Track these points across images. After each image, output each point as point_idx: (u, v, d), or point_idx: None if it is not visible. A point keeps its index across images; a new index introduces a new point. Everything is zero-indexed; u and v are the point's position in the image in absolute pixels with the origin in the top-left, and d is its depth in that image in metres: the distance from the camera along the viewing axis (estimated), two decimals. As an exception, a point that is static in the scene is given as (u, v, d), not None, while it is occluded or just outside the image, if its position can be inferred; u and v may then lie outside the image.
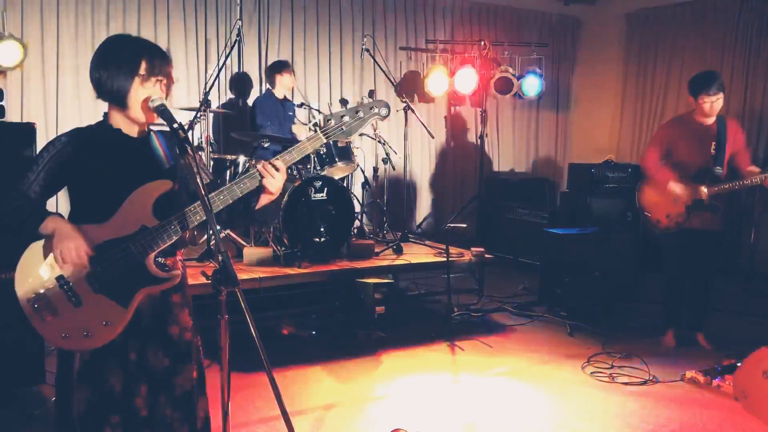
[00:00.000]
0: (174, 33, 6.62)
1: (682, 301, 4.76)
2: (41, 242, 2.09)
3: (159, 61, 2.13)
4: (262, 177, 2.16)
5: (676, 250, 4.65)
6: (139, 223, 2.10)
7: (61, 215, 2.11)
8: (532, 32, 8.86)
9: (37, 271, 2.09)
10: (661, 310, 4.96)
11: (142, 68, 2.09)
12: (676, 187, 4.49)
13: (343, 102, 6.28)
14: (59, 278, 2.08)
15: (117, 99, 2.11)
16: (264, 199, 2.25)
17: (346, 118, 2.26)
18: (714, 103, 4.43)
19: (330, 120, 2.26)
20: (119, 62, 2.09)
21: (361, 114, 2.27)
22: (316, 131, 2.27)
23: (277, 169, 2.16)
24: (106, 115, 2.19)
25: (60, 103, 6.04)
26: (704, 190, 4.44)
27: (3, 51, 5.34)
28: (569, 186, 7.53)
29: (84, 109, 5.95)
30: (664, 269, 4.80)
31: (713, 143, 4.48)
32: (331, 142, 5.62)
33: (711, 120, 4.52)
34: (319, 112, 6.31)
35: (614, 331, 5.07)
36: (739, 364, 3.89)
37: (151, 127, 2.26)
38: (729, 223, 5.44)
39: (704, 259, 4.61)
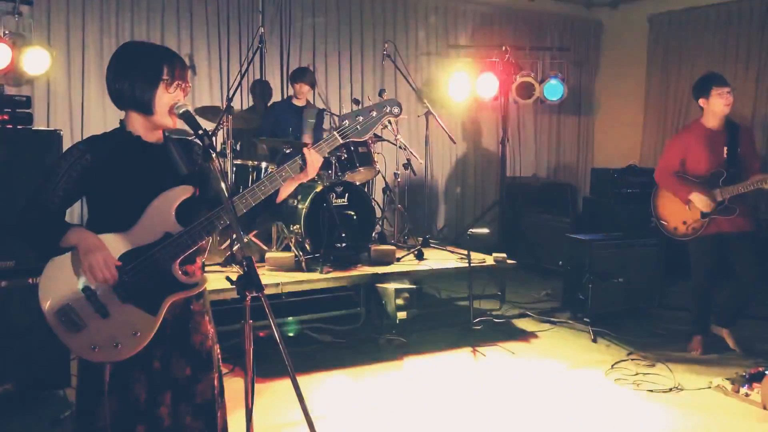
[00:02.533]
0: (197, 40, 6.70)
1: (709, 308, 4.68)
2: (65, 254, 2.07)
3: (179, 66, 2.13)
4: (305, 161, 2.21)
5: (703, 255, 4.58)
6: (163, 230, 2.10)
7: (81, 227, 2.08)
8: (554, 36, 8.82)
9: (61, 284, 2.06)
10: (686, 316, 4.89)
11: (165, 73, 2.09)
12: (698, 199, 4.44)
13: (356, 102, 6.29)
14: (85, 290, 2.06)
15: (142, 106, 2.10)
16: (285, 191, 2.28)
17: (360, 118, 2.27)
18: (728, 94, 4.39)
19: (345, 120, 2.27)
20: (142, 69, 2.08)
21: (374, 113, 2.28)
22: (331, 132, 2.29)
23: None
24: (122, 122, 2.18)
25: (85, 111, 6.12)
26: (717, 192, 4.41)
27: (31, 58, 5.38)
28: (592, 191, 7.47)
29: (109, 116, 6.02)
30: (692, 275, 4.73)
31: (725, 147, 4.44)
32: (352, 147, 5.63)
33: (721, 121, 4.48)
34: (338, 116, 6.33)
35: (639, 337, 5.01)
36: (767, 373, 3.82)
37: (167, 134, 2.26)
38: (759, 223, 5.36)
39: (743, 261, 4.51)
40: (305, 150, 2.23)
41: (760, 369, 4.07)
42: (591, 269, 5.34)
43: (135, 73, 2.08)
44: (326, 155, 2.30)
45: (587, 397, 3.95)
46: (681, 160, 4.58)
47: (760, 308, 5.67)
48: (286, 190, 2.30)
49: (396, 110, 2.31)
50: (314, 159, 2.23)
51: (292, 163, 2.22)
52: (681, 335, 4.90)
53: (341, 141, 2.27)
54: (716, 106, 4.44)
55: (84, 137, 2.07)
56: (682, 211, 4.55)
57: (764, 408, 3.72)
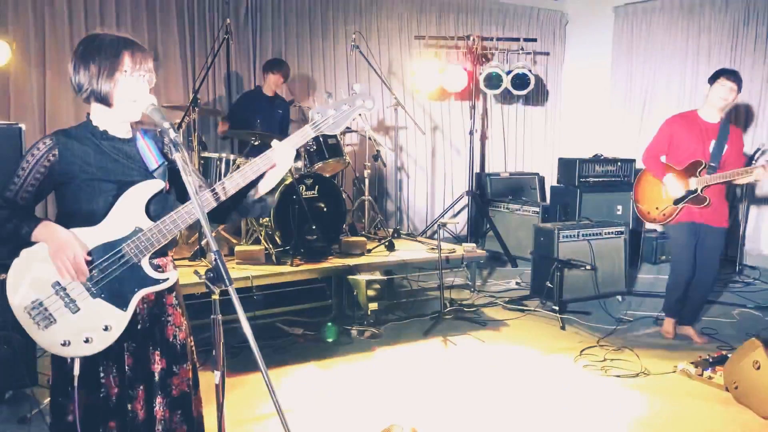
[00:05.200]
0: (164, 32, 6.59)
1: (685, 294, 4.75)
2: (33, 248, 2.04)
3: (141, 56, 2.08)
4: (275, 156, 2.17)
5: (682, 242, 4.66)
6: (133, 225, 2.08)
7: (51, 221, 2.06)
8: (521, 27, 8.88)
9: (31, 279, 2.04)
10: (652, 303, 4.99)
11: (126, 64, 2.05)
12: (670, 182, 4.53)
13: (328, 95, 6.26)
14: (55, 285, 2.04)
15: (101, 98, 2.06)
16: (263, 188, 2.25)
17: (332, 111, 2.26)
18: (730, 90, 4.43)
19: (317, 114, 2.26)
20: (101, 59, 2.04)
21: (346, 107, 2.28)
22: (302, 126, 2.27)
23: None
24: (88, 115, 2.14)
25: (48, 103, 6.00)
26: (692, 181, 4.48)
27: (-11, 51, 5.26)
28: (559, 180, 7.54)
29: (73, 109, 5.89)
30: (671, 261, 4.83)
31: (713, 141, 4.51)
32: (321, 139, 5.61)
33: (716, 115, 4.55)
34: (309, 108, 6.29)
35: (606, 324, 5.10)
36: (729, 356, 3.92)
37: (137, 126, 2.22)
38: (733, 219, 5.49)
39: (707, 255, 4.61)
40: (274, 143, 2.20)
41: (723, 353, 4.18)
42: (559, 258, 5.42)
43: (94, 64, 2.04)
44: (297, 148, 2.28)
45: (557, 384, 4.01)
46: (668, 144, 4.64)
47: (722, 294, 5.83)
48: (263, 186, 2.26)
49: (369, 104, 2.31)
50: (284, 153, 2.20)
51: (263, 156, 2.19)
52: (647, 321, 5.00)
53: (313, 135, 2.26)
54: (714, 94, 4.47)
55: (47, 130, 2.03)
56: (657, 196, 4.64)
57: (726, 390, 3.81)
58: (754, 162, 6.21)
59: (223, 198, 2.15)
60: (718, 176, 4.43)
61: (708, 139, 4.52)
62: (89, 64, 2.05)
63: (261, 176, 2.21)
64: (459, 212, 8.09)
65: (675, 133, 4.61)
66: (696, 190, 4.48)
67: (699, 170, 4.49)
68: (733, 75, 4.46)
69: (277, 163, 2.20)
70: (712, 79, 4.51)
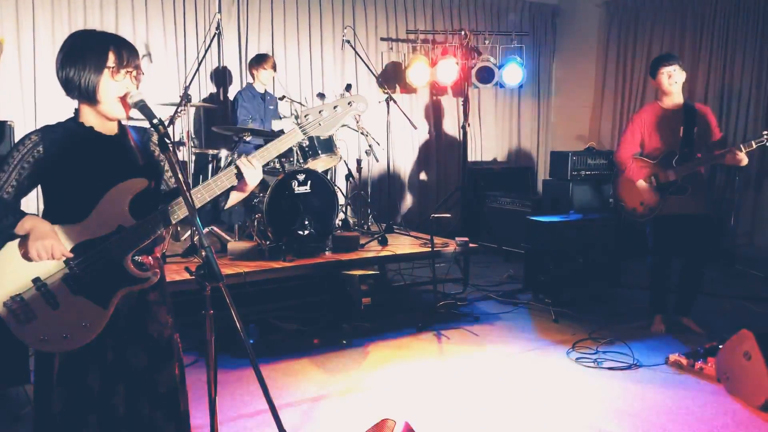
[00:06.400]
0: (153, 27, 6.56)
1: (666, 287, 4.80)
2: (15, 242, 2.04)
3: (127, 53, 2.08)
4: (241, 172, 2.13)
5: (658, 236, 4.70)
6: (116, 223, 2.08)
7: (36, 215, 2.06)
8: (513, 21, 8.88)
9: (12, 273, 2.04)
10: (644, 295, 5.01)
11: (111, 60, 2.04)
12: (642, 188, 4.61)
13: (321, 96, 6.25)
14: (36, 280, 2.04)
15: (87, 95, 2.06)
16: (234, 198, 2.25)
17: (324, 113, 2.24)
18: (673, 75, 4.50)
19: (308, 115, 2.24)
20: (87, 56, 2.03)
21: (339, 109, 2.25)
22: (292, 128, 2.26)
23: (254, 166, 2.16)
24: (76, 111, 2.14)
25: (38, 100, 5.97)
26: (670, 172, 4.51)
27: (-22, 48, 5.24)
28: (551, 174, 7.57)
29: (63, 105, 5.87)
30: (649, 256, 4.84)
31: (681, 127, 4.54)
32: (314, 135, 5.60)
33: (677, 101, 4.59)
34: (302, 104, 6.28)
35: (599, 316, 5.12)
36: (720, 347, 3.94)
37: (124, 123, 2.21)
38: (712, 205, 5.52)
39: (691, 243, 4.64)
40: (239, 162, 2.15)
41: (714, 344, 4.20)
42: (551, 251, 5.43)
43: (79, 61, 2.04)
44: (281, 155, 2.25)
45: (550, 376, 4.03)
46: (641, 140, 4.68)
47: (712, 285, 5.86)
48: (233, 199, 2.25)
49: (362, 107, 2.28)
50: (250, 174, 2.15)
51: (227, 172, 2.15)
52: (639, 313, 5.02)
53: (302, 137, 2.24)
54: (663, 84, 4.54)
55: (38, 127, 2.03)
56: (639, 191, 4.66)
57: (718, 381, 3.84)
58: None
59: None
60: (694, 163, 4.49)
61: (677, 125, 4.55)
62: (76, 62, 2.04)
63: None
64: (452, 206, 8.09)
65: (644, 127, 4.65)
66: (676, 181, 4.51)
67: (674, 159, 4.53)
68: (667, 59, 4.56)
69: (243, 184, 2.18)
70: (654, 73, 4.59)
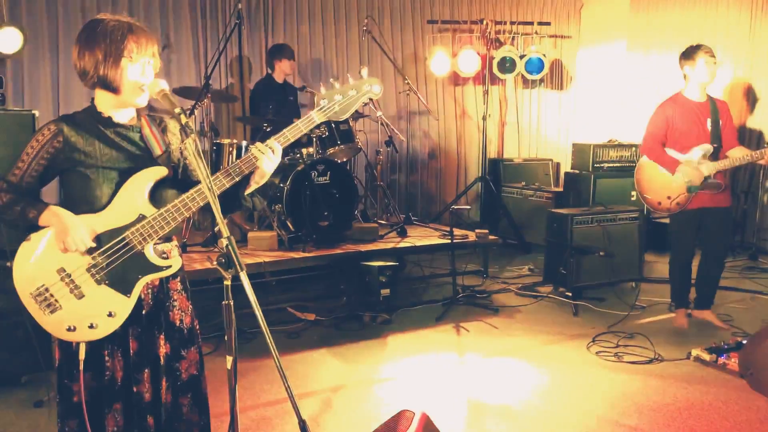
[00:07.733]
0: (176, 17, 6.58)
1: (689, 282, 4.73)
2: (38, 234, 2.05)
3: (146, 41, 2.07)
4: (257, 159, 2.11)
5: (684, 230, 4.61)
6: (137, 212, 2.09)
7: (57, 206, 2.06)
8: (535, 11, 8.78)
9: (36, 265, 2.06)
10: (666, 289, 4.95)
11: (129, 49, 2.03)
12: (686, 172, 4.43)
13: (335, 81, 6.22)
14: (60, 271, 2.06)
15: (105, 83, 2.05)
16: (253, 184, 2.21)
17: (339, 97, 2.23)
18: (714, 64, 4.39)
19: (323, 99, 2.24)
20: (105, 45, 2.02)
21: (353, 92, 2.25)
22: (308, 113, 2.24)
23: (272, 150, 2.13)
24: (93, 100, 2.13)
25: (61, 90, 6.03)
26: (704, 166, 4.42)
27: (2, 38, 5.25)
28: (573, 166, 7.49)
29: (85, 95, 5.92)
30: (671, 250, 4.77)
31: (708, 120, 4.45)
32: (333, 125, 5.60)
33: (703, 94, 4.49)
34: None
35: (619, 310, 5.07)
36: (744, 342, 3.89)
37: (141, 113, 2.21)
38: (735, 198, 5.43)
39: (716, 236, 4.57)
40: (256, 146, 2.12)
41: (738, 339, 4.15)
42: (572, 243, 5.38)
43: (98, 50, 2.02)
44: (307, 136, 2.26)
45: (569, 370, 4.00)
46: (665, 130, 4.56)
47: (736, 280, 5.78)
48: (253, 185, 2.20)
49: (376, 89, 2.27)
50: (268, 158, 2.12)
51: (245, 158, 2.12)
52: (661, 307, 4.96)
53: (318, 121, 2.23)
54: (701, 74, 4.41)
55: (58, 116, 2.04)
56: (666, 185, 4.52)
57: (741, 377, 3.79)
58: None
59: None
60: (732, 160, 4.38)
61: (703, 118, 4.46)
62: (94, 50, 2.03)
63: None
64: (471, 198, 8.06)
65: (669, 118, 4.52)
66: (710, 176, 4.42)
67: (708, 155, 4.42)
68: (708, 49, 4.43)
69: (260, 166, 2.13)
70: (691, 57, 4.44)
